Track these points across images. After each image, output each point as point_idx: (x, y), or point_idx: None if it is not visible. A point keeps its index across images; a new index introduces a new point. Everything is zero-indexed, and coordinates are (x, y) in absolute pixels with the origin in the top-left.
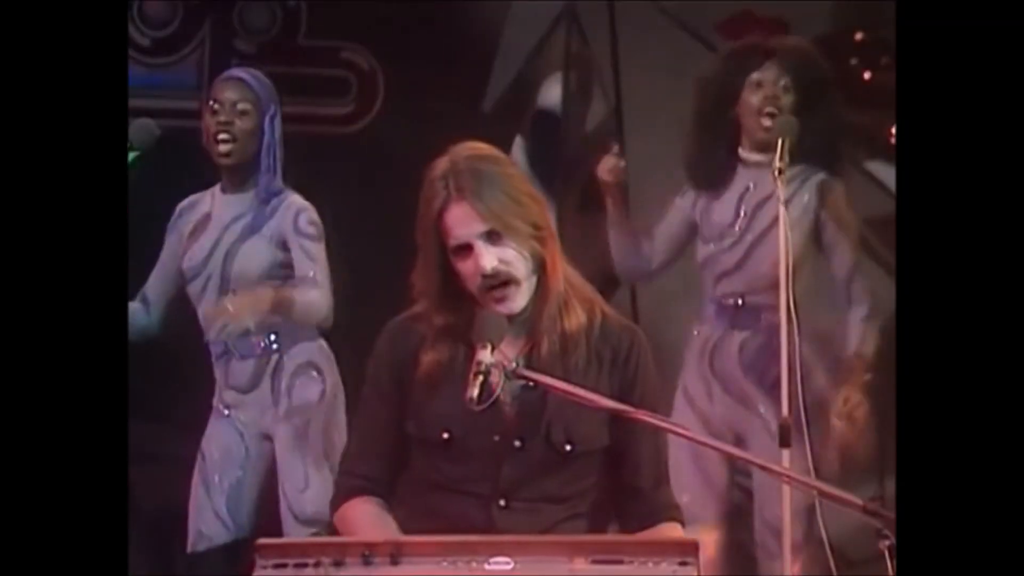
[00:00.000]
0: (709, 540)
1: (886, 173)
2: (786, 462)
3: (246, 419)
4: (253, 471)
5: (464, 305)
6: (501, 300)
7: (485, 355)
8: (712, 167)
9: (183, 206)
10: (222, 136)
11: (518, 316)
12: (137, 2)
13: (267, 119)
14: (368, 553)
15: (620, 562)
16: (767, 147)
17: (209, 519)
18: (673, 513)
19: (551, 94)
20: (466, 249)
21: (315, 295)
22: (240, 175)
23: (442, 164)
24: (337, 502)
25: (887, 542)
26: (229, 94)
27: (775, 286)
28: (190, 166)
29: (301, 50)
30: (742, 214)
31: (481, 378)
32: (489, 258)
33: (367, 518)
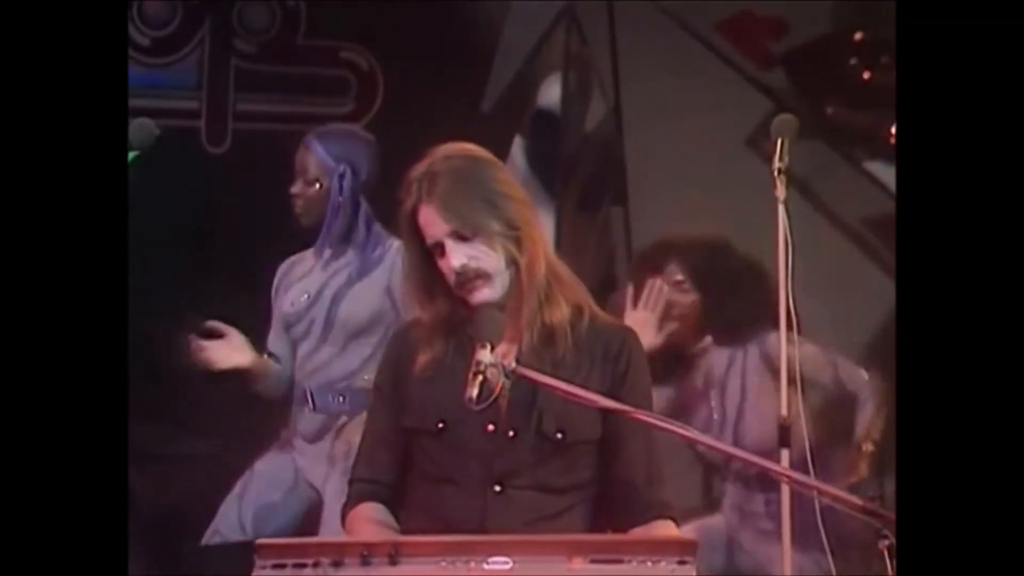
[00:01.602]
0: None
1: (886, 173)
2: (785, 462)
3: (303, 463)
4: (289, 505)
5: (447, 298)
6: (471, 291)
7: (484, 355)
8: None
9: (289, 263)
10: (297, 209)
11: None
12: (137, 2)
13: (335, 180)
14: (367, 553)
15: (619, 561)
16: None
17: (232, 522)
18: (666, 511)
19: (550, 94)
20: (440, 247)
21: None
22: (330, 236)
23: (420, 167)
24: (347, 508)
25: (886, 542)
26: (301, 165)
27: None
28: (189, 166)
29: (300, 50)
30: (713, 404)
31: (481, 378)
32: (458, 256)
33: (368, 525)
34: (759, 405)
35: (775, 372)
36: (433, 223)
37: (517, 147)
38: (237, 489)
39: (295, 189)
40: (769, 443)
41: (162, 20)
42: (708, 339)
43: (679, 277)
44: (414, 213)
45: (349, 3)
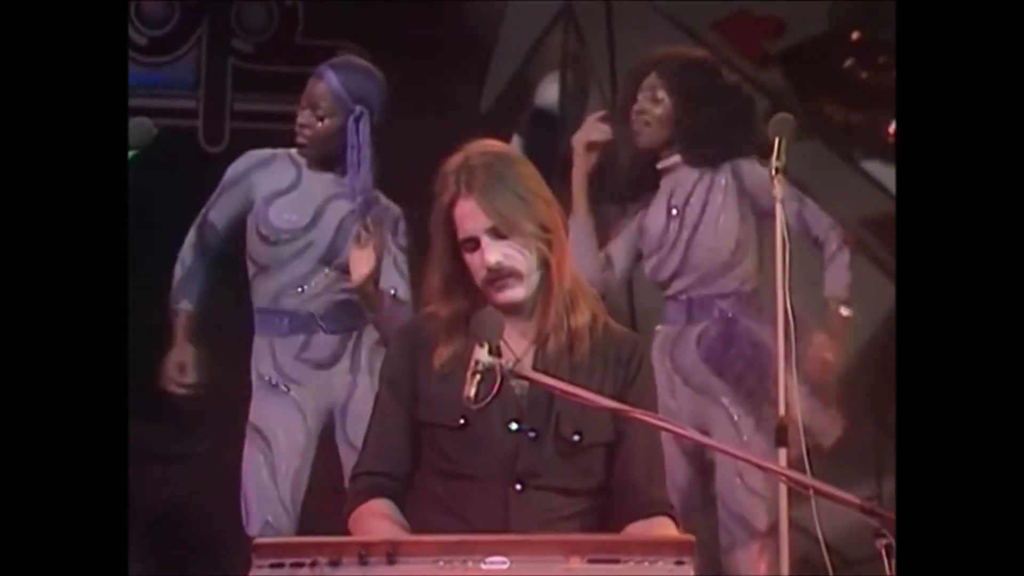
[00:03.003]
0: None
1: (883, 173)
2: (782, 461)
3: (310, 397)
4: (312, 460)
5: (471, 296)
6: (502, 289)
7: (483, 354)
8: (639, 178)
9: (253, 162)
10: (299, 139)
11: (526, 313)
12: (135, 1)
13: (350, 122)
14: (364, 553)
15: (616, 561)
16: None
17: (276, 509)
18: (664, 508)
19: (548, 93)
20: (473, 242)
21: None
22: (325, 163)
23: (456, 159)
24: (355, 502)
25: (884, 541)
26: (313, 96)
27: (720, 274)
28: (187, 165)
29: (298, 49)
30: (673, 214)
31: (479, 377)
32: (494, 252)
33: (383, 522)
34: (716, 221)
35: (742, 193)
36: (472, 217)
37: (515, 146)
38: (263, 469)
39: (302, 119)
40: (717, 265)
41: (160, 19)
42: (677, 157)
43: (654, 86)
44: (451, 206)
45: (347, 3)
